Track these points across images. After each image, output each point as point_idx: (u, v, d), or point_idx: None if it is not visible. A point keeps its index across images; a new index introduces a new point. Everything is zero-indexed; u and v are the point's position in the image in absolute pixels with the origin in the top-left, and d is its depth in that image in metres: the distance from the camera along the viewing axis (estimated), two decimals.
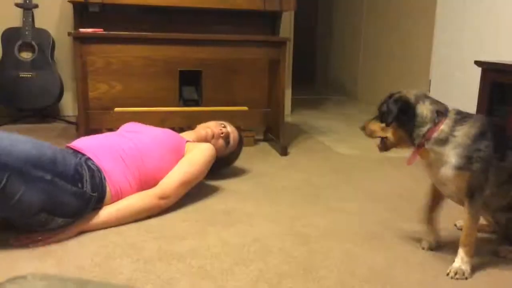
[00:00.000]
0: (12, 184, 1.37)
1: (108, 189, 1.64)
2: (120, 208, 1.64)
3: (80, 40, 2.52)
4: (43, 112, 3.43)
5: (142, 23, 2.95)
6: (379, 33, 4.72)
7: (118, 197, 1.67)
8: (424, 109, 1.42)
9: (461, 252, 1.41)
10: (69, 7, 3.04)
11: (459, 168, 1.38)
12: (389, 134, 1.49)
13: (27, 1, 3.27)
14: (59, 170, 1.49)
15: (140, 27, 2.82)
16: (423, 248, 1.56)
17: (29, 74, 3.23)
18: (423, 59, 3.98)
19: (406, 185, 2.22)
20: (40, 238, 1.48)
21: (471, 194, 1.40)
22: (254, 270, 1.37)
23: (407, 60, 4.16)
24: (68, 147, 1.75)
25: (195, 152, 1.90)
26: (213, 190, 2.05)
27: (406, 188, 2.18)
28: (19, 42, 3.24)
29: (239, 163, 2.45)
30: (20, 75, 3.22)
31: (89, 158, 1.66)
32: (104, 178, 1.64)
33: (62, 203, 1.49)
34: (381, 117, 1.49)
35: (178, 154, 1.88)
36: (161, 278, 1.31)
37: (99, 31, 2.61)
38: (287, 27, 3.79)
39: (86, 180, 1.57)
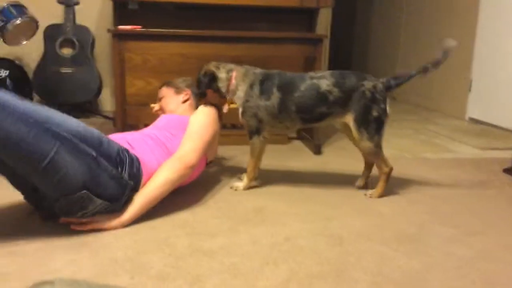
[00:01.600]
0: (61, 155, 1.42)
1: (142, 179, 1.67)
2: (154, 188, 1.66)
3: (119, 37, 2.57)
4: (82, 107, 3.52)
5: (178, 21, 2.97)
6: (418, 30, 4.60)
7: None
8: (221, 73, 2.01)
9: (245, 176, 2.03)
10: (109, 4, 3.10)
11: (241, 114, 1.98)
12: (210, 99, 2.03)
13: None
14: (103, 150, 1.55)
15: (176, 24, 2.84)
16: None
17: (70, 70, 3.32)
18: (464, 57, 3.85)
19: (445, 187, 2.15)
20: (86, 220, 1.53)
21: (250, 134, 1.99)
22: (285, 270, 1.36)
23: (448, 59, 4.04)
24: None
25: (193, 117, 1.95)
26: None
27: (443, 189, 2.11)
28: (61, 39, 3.33)
29: (272, 161, 2.43)
30: (61, 71, 3.31)
31: (127, 150, 1.69)
32: (141, 169, 1.67)
33: (102, 183, 1.53)
34: (199, 89, 2.07)
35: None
36: (191, 274, 1.32)
37: (138, 28, 2.65)
38: (324, 24, 3.75)
39: (126, 167, 1.61)
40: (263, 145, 2.02)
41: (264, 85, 1.95)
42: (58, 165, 1.42)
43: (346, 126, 1.97)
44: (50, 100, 3.39)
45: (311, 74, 1.97)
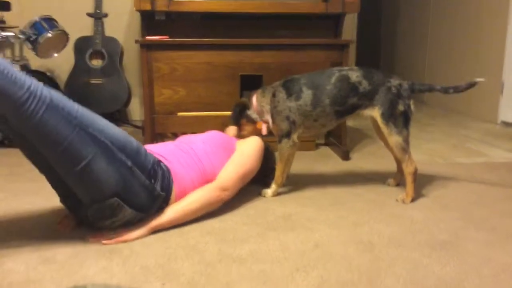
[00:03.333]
0: (97, 161, 1.45)
1: (174, 191, 1.68)
2: (185, 205, 1.68)
3: (146, 47, 2.61)
4: (111, 117, 3.58)
5: (204, 30, 3.00)
6: (447, 33, 4.52)
7: (179, 196, 1.70)
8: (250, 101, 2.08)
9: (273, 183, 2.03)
10: (137, 15, 3.16)
11: (272, 121, 2.02)
12: (244, 128, 2.14)
13: (98, 11, 3.44)
14: (140, 161, 1.57)
15: (202, 34, 2.87)
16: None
17: (99, 81, 3.39)
18: (495, 60, 3.76)
19: (478, 192, 2.10)
20: (113, 235, 1.55)
21: (279, 138, 2.01)
22: (316, 277, 1.34)
23: (478, 61, 3.95)
24: None
25: (246, 145, 1.96)
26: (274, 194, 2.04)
27: (478, 195, 2.06)
28: (90, 50, 3.41)
29: (300, 167, 2.42)
30: (91, 82, 3.38)
31: (160, 161, 1.71)
32: (172, 180, 1.68)
33: (134, 192, 1.55)
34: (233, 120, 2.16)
35: (230, 150, 1.93)
36: (221, 281, 1.31)
37: (165, 38, 2.69)
38: (350, 29, 3.73)
39: (159, 179, 1.62)
40: (292, 150, 2.01)
41: (289, 88, 1.99)
42: (93, 170, 1.45)
43: (375, 122, 2.00)
44: None
45: (338, 68, 2.03)
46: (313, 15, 3.05)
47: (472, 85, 1.96)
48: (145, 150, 1.64)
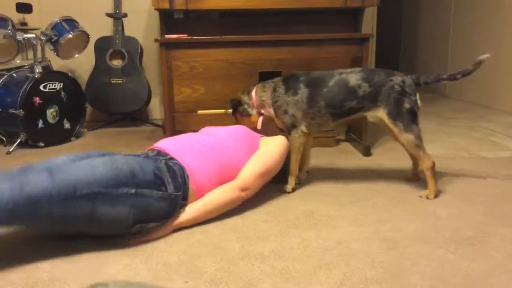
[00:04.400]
0: (101, 209, 1.45)
1: (190, 186, 1.68)
2: (206, 203, 1.68)
3: (166, 46, 2.63)
4: (132, 116, 3.61)
5: (222, 27, 3.00)
6: (469, 24, 4.43)
7: (200, 193, 1.70)
8: (244, 97, 2.16)
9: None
10: (156, 15, 3.17)
11: (275, 116, 2.07)
12: (241, 121, 2.18)
13: (117, 11, 3.47)
14: (140, 180, 1.53)
15: (220, 31, 2.87)
16: None
17: (120, 80, 3.42)
18: None
19: (503, 186, 2.05)
20: (137, 236, 1.56)
21: (287, 130, 2.04)
22: (338, 274, 1.33)
23: (502, 54, 3.85)
24: (151, 148, 1.82)
25: (270, 144, 1.95)
26: (295, 191, 2.03)
27: (503, 189, 2.01)
28: (110, 50, 3.44)
29: (320, 163, 2.41)
30: (112, 81, 3.42)
31: (172, 158, 1.71)
32: (187, 176, 1.68)
33: (152, 210, 1.55)
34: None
35: (253, 147, 1.92)
36: (244, 278, 1.31)
37: (184, 36, 2.70)
38: (369, 22, 3.68)
39: (168, 182, 1.61)
40: (301, 140, 2.03)
41: (287, 84, 2.03)
42: (102, 218, 1.46)
43: (383, 123, 1.98)
44: (102, 110, 3.51)
45: (340, 70, 2.03)
46: (332, 10, 3.02)
47: (478, 64, 1.91)
48: (140, 165, 1.57)
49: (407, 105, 1.90)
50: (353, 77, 1.96)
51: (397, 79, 1.93)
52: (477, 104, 4.25)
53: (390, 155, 2.61)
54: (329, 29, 2.98)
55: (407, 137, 1.92)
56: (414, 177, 2.16)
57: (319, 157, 2.53)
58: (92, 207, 1.43)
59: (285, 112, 2.01)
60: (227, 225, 1.68)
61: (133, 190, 1.50)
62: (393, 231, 1.61)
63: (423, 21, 5.49)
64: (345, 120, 2.09)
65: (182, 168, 1.69)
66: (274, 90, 2.05)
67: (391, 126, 1.93)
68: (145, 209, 1.53)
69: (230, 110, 2.24)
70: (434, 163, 1.94)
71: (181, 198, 1.64)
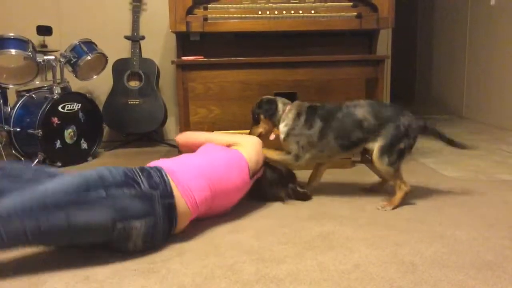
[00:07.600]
0: (76, 217, 1.46)
1: (172, 183, 1.66)
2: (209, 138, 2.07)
3: (182, 67, 2.66)
4: (149, 136, 3.64)
5: (238, 49, 3.04)
6: (484, 45, 4.41)
7: (187, 194, 1.68)
8: (280, 103, 2.19)
9: None
10: (172, 37, 3.22)
11: (284, 137, 2.13)
12: (264, 126, 2.22)
13: (135, 34, 3.54)
14: (109, 182, 1.54)
15: (235, 53, 2.90)
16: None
17: (137, 101, 3.46)
18: None
19: None
20: None
21: (288, 153, 2.12)
22: None
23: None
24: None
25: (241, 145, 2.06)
26: (310, 213, 2.01)
27: None
28: (128, 72, 3.49)
29: (336, 185, 2.39)
30: (129, 102, 3.46)
31: (149, 166, 1.73)
32: (166, 174, 1.67)
33: (128, 208, 1.54)
34: (254, 117, 2.24)
35: (241, 170, 1.94)
36: None
37: (200, 58, 2.73)
38: (384, 44, 3.69)
39: (142, 181, 1.61)
40: (293, 167, 2.16)
41: (309, 115, 2.11)
42: (80, 226, 1.47)
43: (368, 152, 2.11)
44: (119, 130, 3.54)
45: (348, 103, 2.10)
46: (347, 32, 3.04)
47: (468, 147, 2.18)
48: (109, 168, 1.60)
49: (402, 146, 2.00)
50: (360, 110, 2.04)
51: (405, 120, 2.01)
52: (495, 126, 4.20)
53: (408, 176, 2.56)
54: (345, 51, 2.99)
55: (387, 169, 2.03)
56: (373, 188, 2.26)
57: (335, 179, 2.51)
58: (66, 216, 1.44)
59: (297, 142, 2.09)
60: (242, 246, 1.66)
61: (103, 193, 1.51)
62: (411, 255, 1.58)
63: (438, 41, 5.49)
64: (352, 152, 2.19)
65: (159, 169, 1.69)
66: (298, 115, 2.11)
67: (375, 157, 2.02)
68: (121, 209, 1.52)
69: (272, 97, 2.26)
70: (409, 190, 2.06)
71: (161, 195, 1.61)
